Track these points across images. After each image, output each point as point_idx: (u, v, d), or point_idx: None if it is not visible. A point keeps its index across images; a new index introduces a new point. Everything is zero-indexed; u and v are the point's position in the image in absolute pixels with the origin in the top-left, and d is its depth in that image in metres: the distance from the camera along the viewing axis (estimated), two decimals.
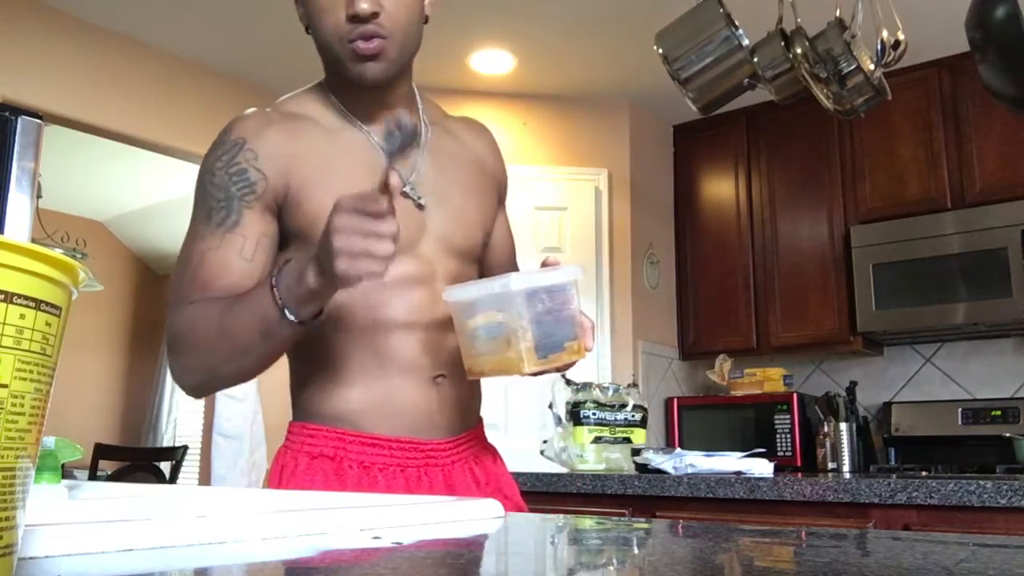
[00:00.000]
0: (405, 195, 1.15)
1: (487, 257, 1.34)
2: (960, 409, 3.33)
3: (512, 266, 1.41)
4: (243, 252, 1.09)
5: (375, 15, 1.07)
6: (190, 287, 1.09)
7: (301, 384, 1.19)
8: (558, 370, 1.08)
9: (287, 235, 1.13)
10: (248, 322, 1.01)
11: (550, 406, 2.66)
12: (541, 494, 2.35)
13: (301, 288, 0.97)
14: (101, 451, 4.64)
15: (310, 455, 1.13)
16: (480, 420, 1.31)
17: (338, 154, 1.14)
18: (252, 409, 3.58)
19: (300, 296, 0.98)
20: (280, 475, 1.14)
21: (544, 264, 1.09)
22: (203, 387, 1.13)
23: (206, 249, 1.09)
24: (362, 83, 1.12)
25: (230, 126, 1.15)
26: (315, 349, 1.15)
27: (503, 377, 1.08)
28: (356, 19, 1.07)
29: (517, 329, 1.00)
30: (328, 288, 0.97)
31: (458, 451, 1.21)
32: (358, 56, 1.09)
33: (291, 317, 0.98)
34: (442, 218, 1.19)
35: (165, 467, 5.01)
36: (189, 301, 1.08)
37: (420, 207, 1.17)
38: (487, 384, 1.30)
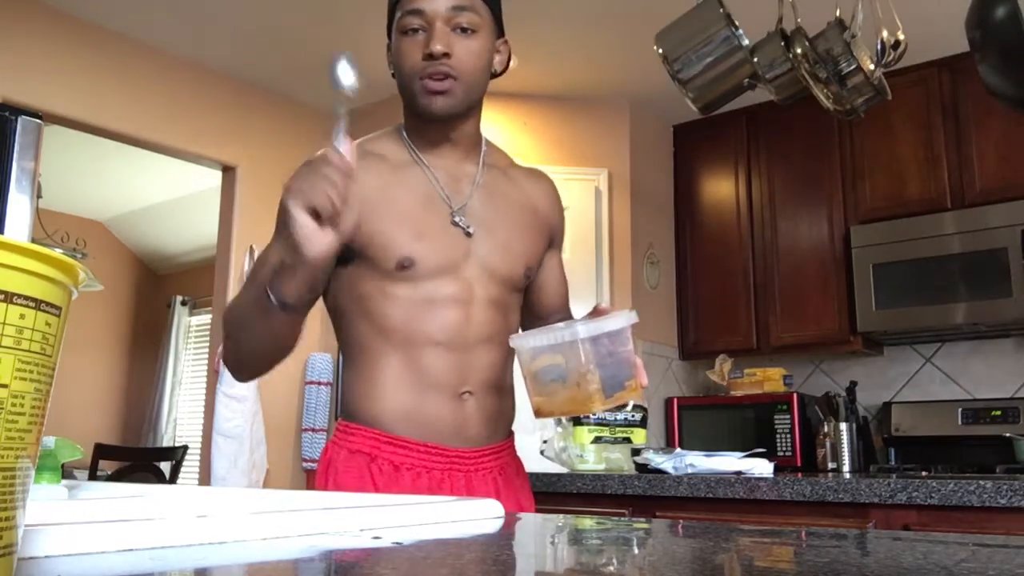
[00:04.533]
0: (455, 224, 1.30)
1: (539, 298, 1.46)
2: (960, 409, 3.33)
3: (565, 309, 1.51)
4: None
5: (446, 55, 1.24)
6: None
7: (349, 387, 1.32)
8: (618, 408, 1.19)
9: (350, 252, 1.26)
10: (250, 301, 1.18)
11: None
12: (541, 494, 2.35)
13: (276, 266, 1.11)
14: (101, 451, 4.64)
15: (349, 450, 1.28)
16: (511, 434, 1.41)
17: (398, 185, 1.29)
18: (252, 409, 3.58)
19: (277, 273, 1.10)
20: (327, 468, 1.28)
21: (596, 310, 1.20)
22: (238, 365, 1.26)
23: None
24: (429, 115, 1.28)
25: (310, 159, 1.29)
26: (360, 357, 1.30)
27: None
28: (430, 57, 1.23)
29: (586, 373, 1.10)
30: (292, 259, 1.05)
31: (482, 460, 1.32)
32: (428, 91, 1.25)
33: (271, 295, 1.11)
34: (487, 247, 1.32)
35: (165, 467, 5.01)
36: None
37: (468, 235, 1.31)
38: None
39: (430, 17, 1.24)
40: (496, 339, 1.33)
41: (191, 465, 5.13)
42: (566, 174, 3.75)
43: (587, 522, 0.88)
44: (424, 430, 1.27)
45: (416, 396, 1.27)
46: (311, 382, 3.82)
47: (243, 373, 1.28)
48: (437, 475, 1.27)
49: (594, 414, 2.60)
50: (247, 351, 1.23)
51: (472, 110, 1.34)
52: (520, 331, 1.40)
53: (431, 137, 1.33)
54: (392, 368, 1.28)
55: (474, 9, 1.27)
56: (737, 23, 2.12)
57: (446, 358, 1.28)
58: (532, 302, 1.46)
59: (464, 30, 1.26)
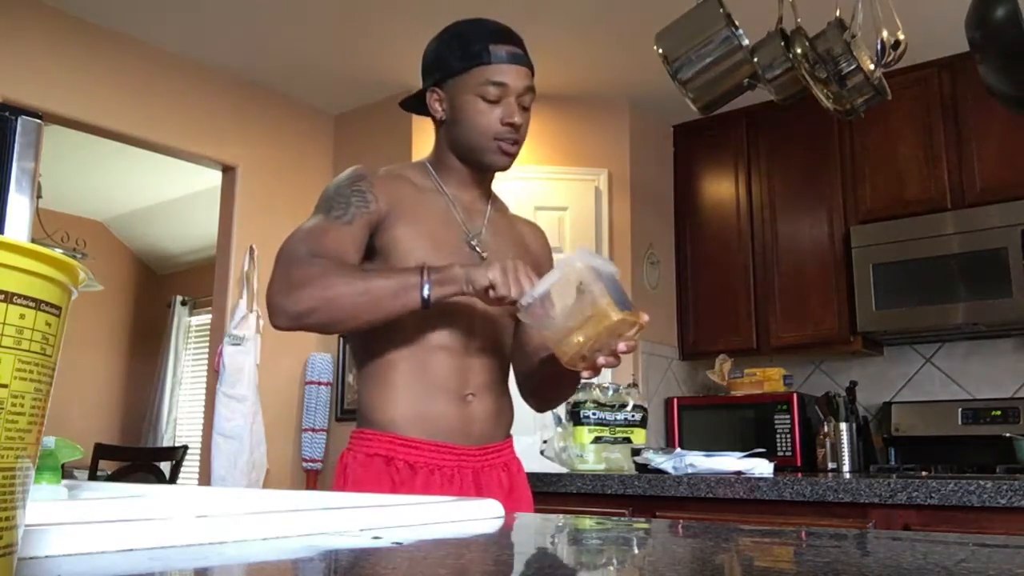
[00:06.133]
0: (472, 248, 1.50)
1: (531, 336, 1.58)
2: (960, 409, 3.33)
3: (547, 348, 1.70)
4: (352, 241, 1.41)
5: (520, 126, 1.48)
6: (318, 246, 1.38)
7: (363, 395, 1.47)
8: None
9: (372, 249, 1.45)
10: (389, 280, 1.34)
11: None
12: (541, 494, 2.35)
13: (445, 272, 1.31)
14: (101, 451, 4.64)
15: (366, 454, 1.42)
16: (510, 435, 1.57)
17: (423, 204, 1.50)
18: (252, 409, 3.58)
19: (440, 277, 1.31)
20: (344, 473, 1.42)
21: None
22: (311, 315, 1.34)
23: (328, 227, 1.41)
24: (494, 169, 1.52)
25: (355, 169, 1.51)
26: (371, 362, 1.45)
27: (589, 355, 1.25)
28: (511, 126, 1.46)
29: (595, 290, 1.19)
30: (460, 282, 1.30)
31: (487, 458, 1.47)
32: (503, 152, 1.48)
33: (426, 289, 1.31)
34: None
35: (165, 467, 5.01)
36: (320, 255, 1.36)
37: (482, 258, 1.49)
38: None
39: (511, 91, 1.47)
40: (493, 349, 1.50)
41: (191, 465, 5.13)
42: (566, 174, 3.76)
43: (587, 522, 0.88)
44: (434, 430, 1.42)
45: (425, 399, 1.42)
46: (311, 382, 3.83)
47: (306, 320, 1.35)
48: (448, 472, 1.41)
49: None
50: (342, 310, 1.33)
51: None
52: (512, 362, 1.59)
53: (461, 177, 1.54)
54: (402, 372, 1.43)
55: (534, 91, 1.53)
56: (737, 23, 2.12)
57: (450, 362, 1.44)
58: (524, 341, 1.58)
59: (524, 108, 1.50)
